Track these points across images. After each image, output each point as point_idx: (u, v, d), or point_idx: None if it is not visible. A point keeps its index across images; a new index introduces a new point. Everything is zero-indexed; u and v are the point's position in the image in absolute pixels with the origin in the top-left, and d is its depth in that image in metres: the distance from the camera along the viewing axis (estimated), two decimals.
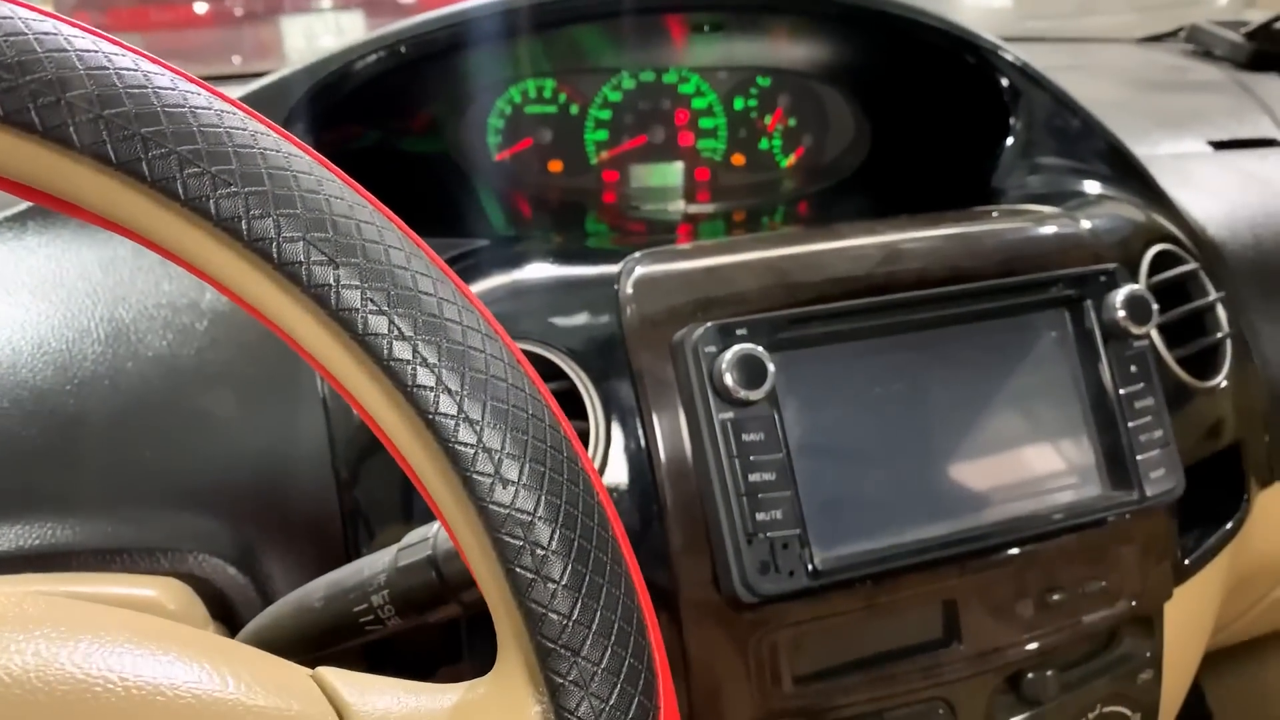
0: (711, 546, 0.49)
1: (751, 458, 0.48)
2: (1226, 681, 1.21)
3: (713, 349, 0.49)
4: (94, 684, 0.25)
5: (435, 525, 0.40)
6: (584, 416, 0.51)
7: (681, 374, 0.50)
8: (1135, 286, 0.55)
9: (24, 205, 0.57)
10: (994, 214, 0.61)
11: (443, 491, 0.28)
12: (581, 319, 0.53)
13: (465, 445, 0.27)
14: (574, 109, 0.80)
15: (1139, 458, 0.54)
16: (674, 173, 0.83)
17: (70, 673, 0.25)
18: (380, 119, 0.73)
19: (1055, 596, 0.55)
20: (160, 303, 0.53)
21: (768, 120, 0.82)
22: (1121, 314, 0.54)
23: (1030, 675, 0.56)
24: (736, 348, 0.48)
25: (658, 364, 0.51)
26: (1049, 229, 0.59)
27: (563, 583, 0.27)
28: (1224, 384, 0.64)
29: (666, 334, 0.51)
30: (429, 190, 0.76)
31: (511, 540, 0.27)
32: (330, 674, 0.29)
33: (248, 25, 2.60)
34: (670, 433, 0.50)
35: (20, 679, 0.25)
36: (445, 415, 0.27)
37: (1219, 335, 0.63)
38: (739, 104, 0.82)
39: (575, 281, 0.55)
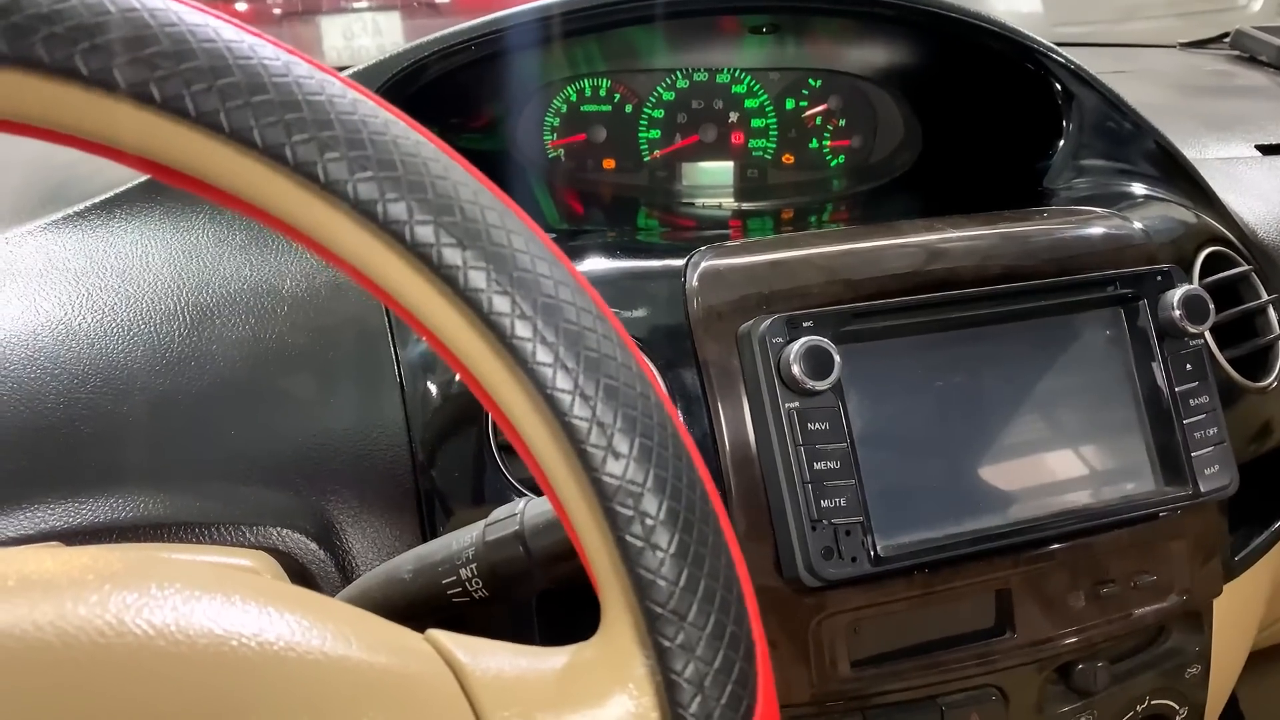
0: (774, 532, 0.51)
1: (816, 446, 0.50)
2: (1259, 682, 1.21)
3: (780, 340, 0.50)
4: (230, 639, 0.27)
5: (521, 502, 0.41)
6: None
7: (747, 364, 0.51)
8: (1192, 286, 0.56)
9: (112, 192, 0.59)
10: (1048, 214, 0.62)
11: (556, 463, 0.29)
12: (646, 310, 0.54)
13: (581, 420, 0.29)
14: (628, 108, 0.82)
15: (1194, 454, 0.55)
16: (725, 171, 0.84)
17: (208, 628, 0.27)
18: (442, 115, 0.75)
19: (1107, 589, 0.56)
20: (242, 289, 0.55)
21: (818, 120, 0.83)
22: (1178, 313, 0.55)
23: (1081, 666, 0.57)
24: (804, 339, 0.49)
25: (723, 354, 0.52)
26: (1104, 229, 0.60)
27: (670, 551, 0.28)
28: (1275, 385, 0.64)
29: (732, 326, 0.52)
30: None
31: (622, 510, 0.29)
32: (442, 636, 0.30)
33: (287, 24, 2.64)
34: (735, 421, 0.51)
35: (163, 632, 0.26)
36: (562, 391, 0.29)
37: (1271, 336, 0.64)
38: (790, 104, 0.83)
39: (640, 273, 0.57)
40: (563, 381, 0.29)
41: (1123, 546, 0.57)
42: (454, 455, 0.52)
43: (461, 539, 0.41)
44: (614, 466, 0.29)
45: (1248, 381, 0.63)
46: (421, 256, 0.28)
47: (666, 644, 0.28)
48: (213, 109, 0.27)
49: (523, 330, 0.28)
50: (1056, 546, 0.55)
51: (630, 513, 0.29)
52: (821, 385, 0.49)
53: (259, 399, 0.53)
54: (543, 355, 0.29)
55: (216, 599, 0.28)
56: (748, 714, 0.28)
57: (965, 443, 0.54)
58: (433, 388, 0.54)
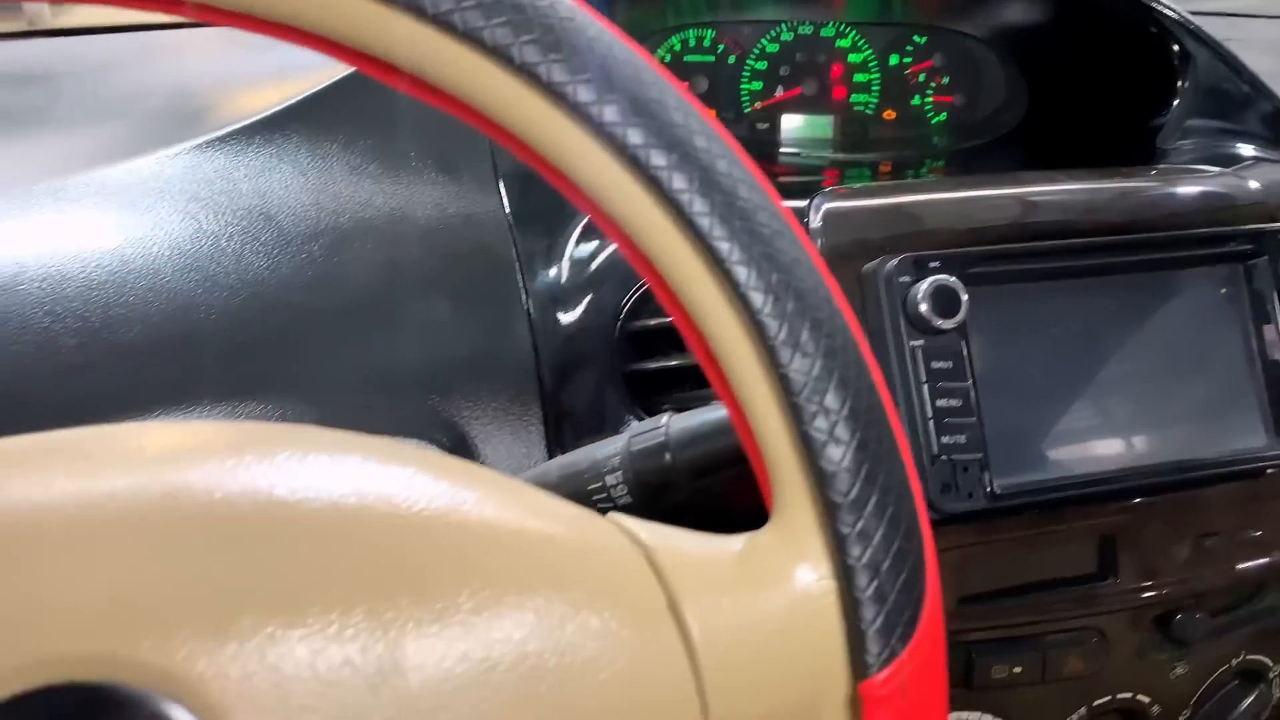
0: None
1: (940, 384, 0.51)
2: None
3: (907, 279, 0.51)
4: (417, 508, 0.27)
5: (665, 416, 0.43)
6: None
7: (871, 303, 0.52)
8: None
9: (250, 119, 0.61)
10: (1163, 171, 0.63)
11: (744, 359, 0.31)
12: None
13: (771, 318, 0.30)
14: (731, 59, 0.83)
15: None
16: (824, 124, 0.85)
17: (391, 495, 0.27)
18: None
19: (1211, 541, 0.57)
20: (377, 215, 0.57)
21: (921, 77, 0.83)
22: None
23: (1180, 616, 0.58)
24: (932, 278, 0.50)
25: (847, 294, 0.53)
26: (1222, 187, 0.60)
27: (852, 445, 0.30)
28: None
29: (855, 265, 0.54)
30: None
31: (808, 405, 0.30)
32: (622, 517, 0.32)
33: None
34: None
35: (344, 496, 0.27)
36: (755, 290, 0.30)
37: None
38: (894, 60, 0.83)
39: None
40: (756, 281, 0.30)
41: (1229, 500, 0.57)
42: (580, 383, 0.54)
43: (607, 449, 0.43)
44: (800, 363, 0.30)
45: None
46: (632, 159, 0.29)
47: (845, 530, 0.29)
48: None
49: (720, 231, 0.30)
50: (1163, 496, 0.56)
51: (815, 408, 0.30)
52: (948, 324, 0.50)
53: (396, 319, 0.55)
54: (738, 255, 0.30)
55: (406, 470, 0.29)
56: (918, 601, 0.29)
57: (1080, 389, 0.54)
58: (561, 319, 0.56)
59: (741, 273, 0.30)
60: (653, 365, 0.55)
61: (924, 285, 0.50)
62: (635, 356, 0.56)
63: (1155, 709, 0.59)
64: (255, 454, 0.28)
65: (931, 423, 0.51)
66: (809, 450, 0.30)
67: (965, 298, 0.50)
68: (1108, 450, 0.54)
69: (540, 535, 0.30)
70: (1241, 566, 0.58)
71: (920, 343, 0.51)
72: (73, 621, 0.23)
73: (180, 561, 0.24)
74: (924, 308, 0.50)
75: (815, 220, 0.55)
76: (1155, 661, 0.58)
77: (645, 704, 0.28)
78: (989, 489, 0.51)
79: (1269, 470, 0.58)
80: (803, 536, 0.31)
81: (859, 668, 0.29)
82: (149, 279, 0.52)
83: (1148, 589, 0.56)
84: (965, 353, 0.51)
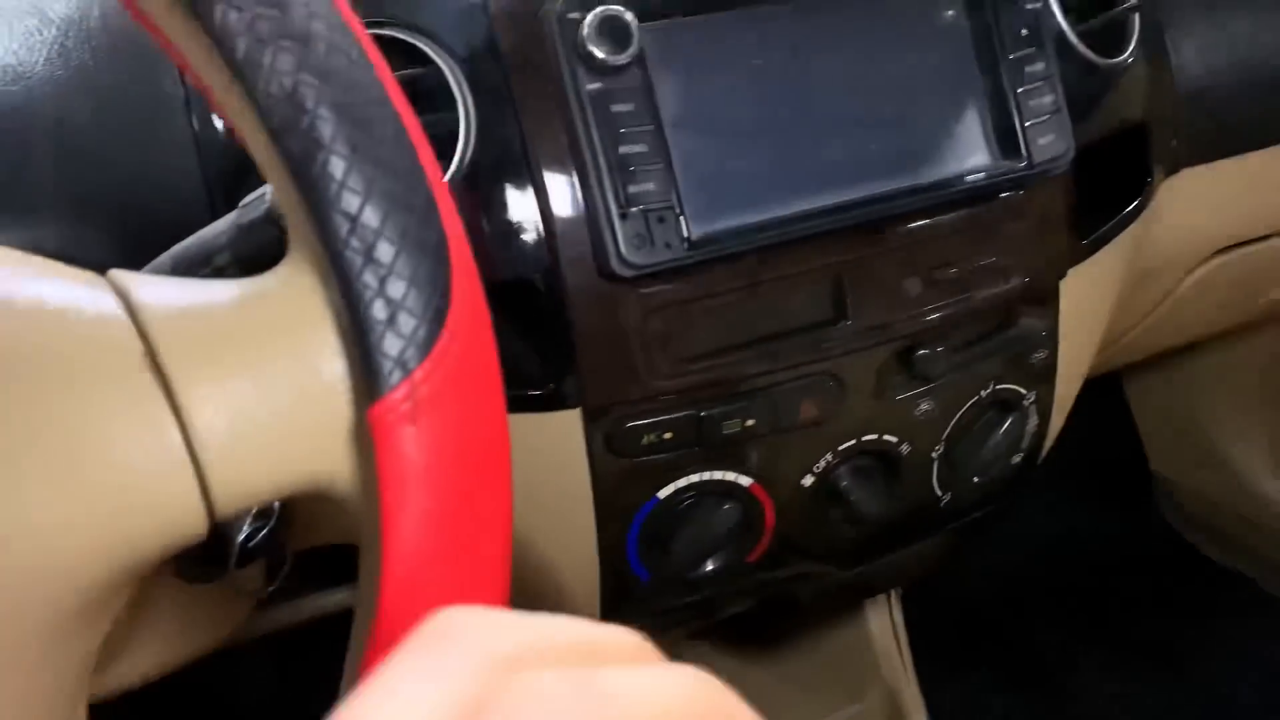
0: (591, 226, 0.48)
1: (621, 130, 0.47)
2: (1148, 384, 1.26)
3: (576, 15, 0.46)
4: None
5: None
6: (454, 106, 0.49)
7: (550, 48, 0.48)
8: None
9: None
10: None
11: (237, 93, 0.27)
12: (446, 4, 0.50)
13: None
14: None
15: (1027, 124, 0.53)
16: None
17: None
18: None
19: (945, 272, 0.55)
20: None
21: None
22: None
23: (922, 352, 0.56)
24: (599, 9, 0.46)
25: (527, 42, 0.48)
26: None
27: (344, 153, 0.26)
28: (1130, 61, 0.62)
29: (535, 9, 0.48)
30: None
31: (294, 131, 0.26)
32: (122, 274, 0.28)
33: None
34: (540, 111, 0.48)
35: None
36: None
37: (1123, 7, 0.61)
38: None
39: None
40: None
41: (961, 227, 0.56)
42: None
43: (216, 228, 0.39)
44: (276, 85, 0.26)
45: (1100, 58, 0.60)
46: None
47: (340, 247, 0.26)
48: None
49: None
50: (890, 230, 0.54)
51: (303, 126, 0.26)
52: (620, 59, 0.46)
53: (36, 130, 0.49)
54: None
55: None
56: (436, 313, 0.26)
57: (791, 123, 0.51)
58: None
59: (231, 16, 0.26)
60: None
61: (590, 17, 0.46)
62: None
63: (904, 448, 0.59)
64: None
65: (617, 172, 0.47)
66: (302, 166, 0.26)
67: (634, 27, 0.46)
68: (824, 185, 0.51)
69: (15, 305, 0.26)
70: (981, 294, 0.57)
71: (598, 85, 0.47)
72: None
73: None
74: (592, 44, 0.46)
75: None
76: (899, 401, 0.58)
77: (133, 470, 0.25)
78: (686, 237, 0.48)
79: (1002, 195, 0.56)
80: (309, 266, 0.28)
81: (367, 393, 0.26)
82: None
83: (882, 327, 0.55)
84: (648, 93, 0.47)
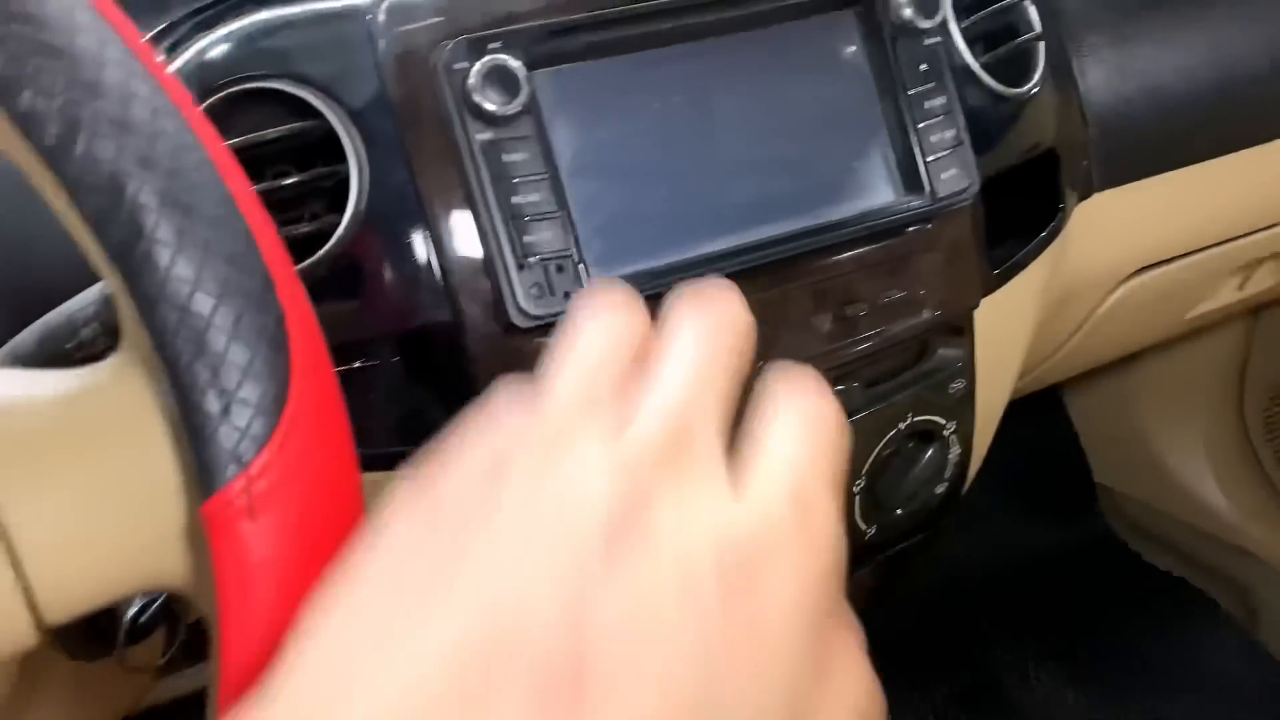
0: (490, 277, 0.48)
1: (515, 179, 0.46)
2: (1088, 396, 1.28)
3: (463, 65, 0.46)
4: None
5: None
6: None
7: (440, 97, 0.47)
8: None
9: None
10: None
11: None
12: (335, 55, 0.49)
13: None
14: None
15: (929, 159, 0.53)
16: None
17: None
18: None
19: (856, 308, 0.55)
20: None
21: None
22: (908, 10, 0.52)
23: (837, 388, 0.56)
24: (485, 59, 0.45)
25: (416, 92, 0.48)
26: None
27: (176, 274, 0.25)
28: (1036, 90, 0.62)
29: (424, 59, 0.48)
30: None
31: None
32: None
33: None
34: (433, 161, 0.47)
35: None
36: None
37: (1028, 36, 0.61)
38: None
39: (324, 15, 0.51)
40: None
41: (869, 264, 0.55)
42: None
43: (83, 298, 0.38)
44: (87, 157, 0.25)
45: (1005, 88, 0.60)
46: None
47: (169, 337, 0.25)
48: None
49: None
50: (796, 268, 0.53)
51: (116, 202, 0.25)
52: (510, 109, 0.45)
53: None
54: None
55: None
56: (273, 400, 0.25)
57: (692, 166, 0.51)
58: None
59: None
60: None
61: (476, 68, 0.45)
62: None
63: None
64: None
65: (512, 223, 0.46)
66: (125, 257, 0.25)
67: (523, 77, 0.45)
68: (725, 228, 0.51)
69: None
70: (892, 329, 0.57)
71: (489, 136, 0.46)
72: None
73: None
74: (480, 94, 0.45)
75: (379, 15, 0.49)
76: None
77: None
78: (584, 286, 0.47)
79: (908, 229, 0.56)
80: (139, 358, 0.27)
81: (201, 489, 0.25)
82: None
83: None
84: (542, 140, 0.47)
